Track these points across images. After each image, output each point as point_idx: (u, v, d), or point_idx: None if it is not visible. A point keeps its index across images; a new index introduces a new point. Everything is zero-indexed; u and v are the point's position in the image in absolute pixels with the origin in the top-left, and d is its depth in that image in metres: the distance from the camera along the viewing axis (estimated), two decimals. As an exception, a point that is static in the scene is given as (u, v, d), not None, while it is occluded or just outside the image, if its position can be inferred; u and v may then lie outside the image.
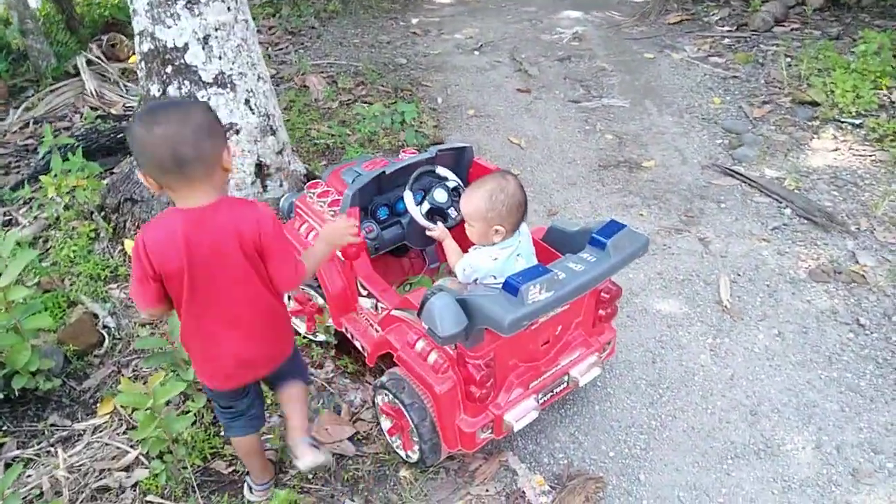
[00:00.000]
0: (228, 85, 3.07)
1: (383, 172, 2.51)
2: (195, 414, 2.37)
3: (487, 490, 2.29)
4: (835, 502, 2.20)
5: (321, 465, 2.02)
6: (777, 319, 2.98)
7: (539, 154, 4.51)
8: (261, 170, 3.23)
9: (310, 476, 2.34)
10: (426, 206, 2.54)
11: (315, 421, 2.53)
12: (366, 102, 5.03)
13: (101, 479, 2.28)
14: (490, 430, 2.18)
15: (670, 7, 6.84)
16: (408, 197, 2.50)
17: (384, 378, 2.30)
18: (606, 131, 4.75)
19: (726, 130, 4.62)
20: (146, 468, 2.29)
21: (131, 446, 2.36)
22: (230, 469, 2.35)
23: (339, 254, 2.48)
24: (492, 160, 4.45)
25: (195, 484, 2.25)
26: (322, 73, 5.63)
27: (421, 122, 4.79)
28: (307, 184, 2.81)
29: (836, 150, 4.21)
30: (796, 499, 2.22)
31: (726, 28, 6.20)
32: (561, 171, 4.30)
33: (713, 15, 6.52)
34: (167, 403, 2.26)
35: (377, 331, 2.45)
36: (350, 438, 2.48)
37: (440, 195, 2.58)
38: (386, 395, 2.30)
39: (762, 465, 2.34)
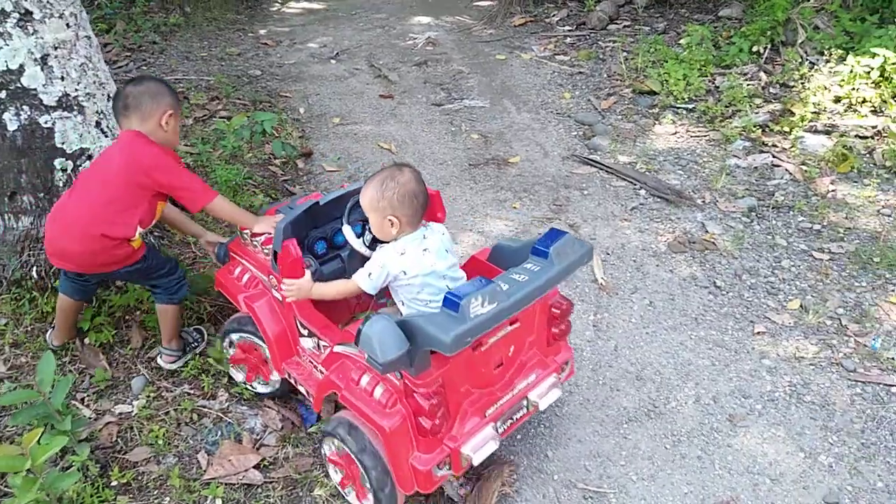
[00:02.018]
0: (75, 108, 2.81)
1: (316, 203, 2.36)
2: (79, 468, 2.16)
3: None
4: (718, 447, 2.44)
5: None
6: (647, 291, 3.24)
7: (411, 157, 4.57)
8: (121, 196, 2.99)
9: (218, 512, 2.21)
10: (368, 235, 2.33)
11: (215, 453, 2.40)
12: (223, 117, 4.82)
13: (-28, 558, 2.01)
14: (448, 466, 2.02)
15: (514, 10, 7.19)
16: (347, 231, 2.31)
17: (330, 424, 2.13)
18: (472, 131, 4.91)
19: (579, 123, 4.94)
20: (27, 537, 2.04)
21: (6, 516, 2.10)
22: (127, 520, 2.17)
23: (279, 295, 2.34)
24: (364, 167, 4.45)
25: (89, 544, 2.06)
26: (171, 90, 5.31)
27: (286, 133, 4.68)
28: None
29: (675, 133, 4.64)
30: (686, 449, 2.43)
31: (567, 28, 6.63)
32: (434, 173, 4.38)
33: (554, 16, 6.93)
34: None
35: (322, 372, 2.26)
36: (256, 466, 2.37)
37: None
38: (332, 442, 2.13)
39: (653, 424, 2.54)
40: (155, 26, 6.66)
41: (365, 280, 2.09)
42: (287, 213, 2.40)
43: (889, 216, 3.62)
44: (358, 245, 2.32)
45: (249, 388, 2.63)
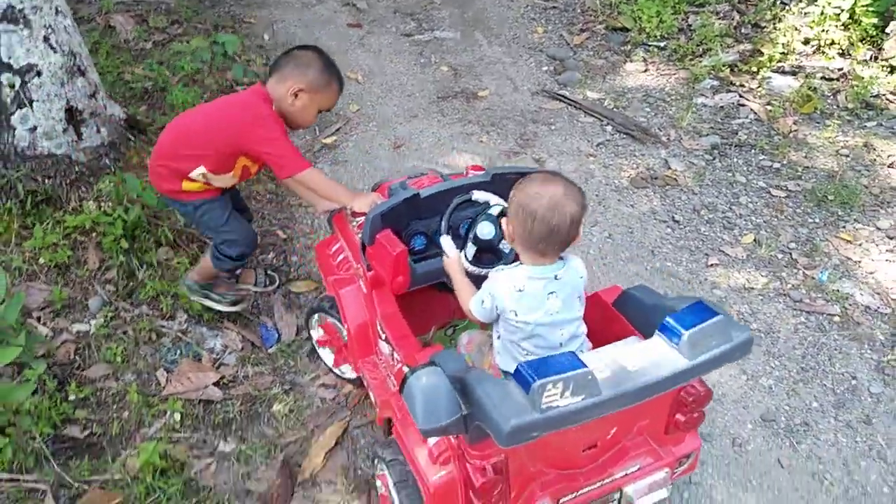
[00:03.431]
0: (21, 20, 2.69)
1: (417, 195, 2.02)
2: (36, 381, 2.16)
3: (367, 415, 2.35)
4: (665, 370, 2.54)
5: None
6: (607, 224, 3.29)
7: (378, 88, 4.48)
8: (72, 115, 2.90)
9: (177, 426, 2.25)
10: (471, 248, 1.94)
11: (174, 371, 2.42)
12: (184, 41, 4.65)
13: (-72, 468, 2.02)
14: None
15: (490, -60, 6.94)
16: (446, 243, 1.94)
17: (383, 450, 1.88)
18: (441, 63, 4.82)
19: (550, 58, 4.87)
20: (-17, 448, 2.06)
21: (-40, 428, 2.11)
22: (86, 433, 2.20)
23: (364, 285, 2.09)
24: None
25: (48, 453, 2.08)
26: (128, 11, 5.08)
27: (248, 60, 4.55)
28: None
29: (646, 70, 4.62)
30: (635, 373, 2.52)
31: (543, -40, 6.45)
32: (401, 104, 4.31)
33: (530, -52, 6.73)
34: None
35: (394, 385, 2.00)
36: (215, 384, 2.41)
37: (485, 229, 1.93)
38: (383, 468, 1.88)
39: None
40: (111, -56, 6.30)
41: (478, 307, 1.72)
42: (396, 192, 2.11)
43: (847, 156, 3.69)
44: (460, 259, 1.94)
45: (338, 373, 2.45)
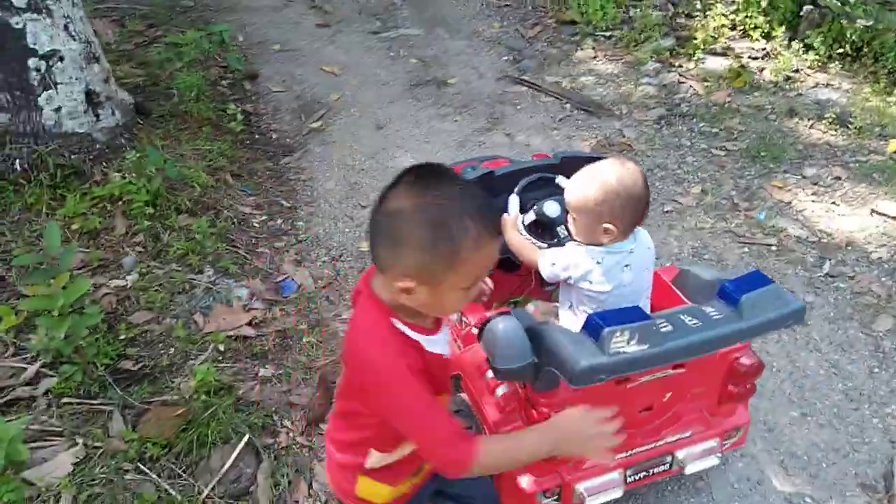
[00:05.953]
0: (43, 10, 2.94)
1: (491, 173, 2.14)
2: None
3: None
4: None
5: None
6: (576, 183, 3.73)
7: (354, 79, 4.84)
8: (91, 98, 3.15)
9: (220, 358, 2.54)
10: (531, 216, 2.07)
11: (209, 315, 2.70)
12: (166, 43, 4.90)
13: (5, 396, 2.25)
14: (556, 497, 1.79)
15: (441, -53, 7.40)
16: (513, 201, 2.07)
17: (455, 402, 1.99)
18: (410, 56, 5.21)
19: (509, 49, 5.33)
20: (52, 377, 2.30)
21: (27, 363, 2.35)
22: (139, 366, 2.46)
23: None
24: (310, 88, 4.69)
25: (110, 381, 2.34)
26: (105, 16, 5.30)
27: (232, 55, 4.84)
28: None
29: (595, 57, 5.12)
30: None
31: (493, -36, 6.94)
32: (379, 92, 4.68)
33: (480, -47, 7.22)
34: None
35: (460, 347, 2.10)
36: (248, 324, 2.70)
37: (552, 208, 2.05)
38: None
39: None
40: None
41: (546, 264, 1.82)
42: (467, 174, 2.20)
43: (774, 121, 4.25)
44: (515, 218, 2.07)
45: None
